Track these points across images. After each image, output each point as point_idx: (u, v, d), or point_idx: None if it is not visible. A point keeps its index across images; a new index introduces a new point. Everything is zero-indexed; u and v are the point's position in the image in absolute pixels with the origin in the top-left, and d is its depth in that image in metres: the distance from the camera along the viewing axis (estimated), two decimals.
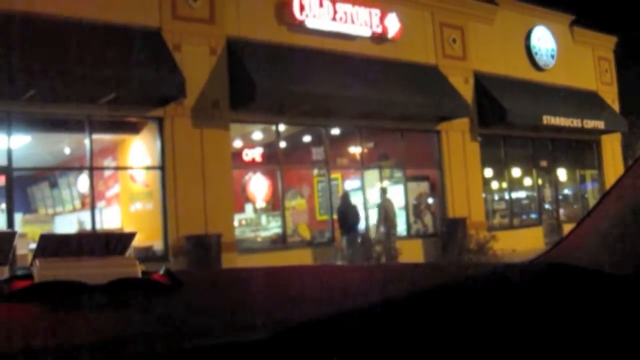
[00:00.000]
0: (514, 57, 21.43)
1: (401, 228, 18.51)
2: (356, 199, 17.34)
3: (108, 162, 16.43)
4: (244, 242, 16.04)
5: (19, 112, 13.05)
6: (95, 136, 14.27)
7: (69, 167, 16.88)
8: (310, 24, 16.26)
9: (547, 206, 23.00)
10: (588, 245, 1.35)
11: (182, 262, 13.80)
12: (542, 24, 22.53)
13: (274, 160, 16.84)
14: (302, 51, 16.03)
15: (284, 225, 16.33)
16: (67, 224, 16.09)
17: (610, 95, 24.82)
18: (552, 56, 22.68)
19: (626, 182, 1.33)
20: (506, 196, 21.83)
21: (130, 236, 1.45)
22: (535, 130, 20.92)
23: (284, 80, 15.07)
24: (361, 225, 16.91)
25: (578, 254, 1.35)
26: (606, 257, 1.27)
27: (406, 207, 18.74)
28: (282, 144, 16.91)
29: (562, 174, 23.85)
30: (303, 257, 15.80)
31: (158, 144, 14.49)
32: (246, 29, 15.44)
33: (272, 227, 17.14)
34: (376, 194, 17.88)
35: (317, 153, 17.48)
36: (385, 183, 19.22)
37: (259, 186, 17.83)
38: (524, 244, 19.07)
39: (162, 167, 14.43)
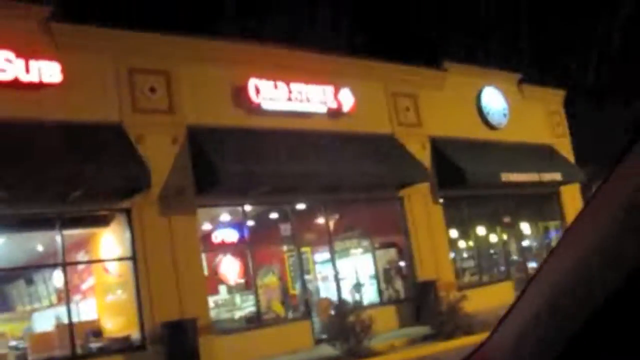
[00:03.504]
0: (467, 120, 22.03)
1: (373, 296, 18.85)
2: (327, 271, 17.75)
3: (81, 256, 16.66)
4: (220, 323, 16.11)
5: None
6: (67, 232, 14.53)
7: (43, 265, 17.03)
8: (267, 105, 16.78)
9: (514, 259, 23.45)
10: (509, 344, 1.26)
11: (160, 350, 13.98)
12: (490, 84, 23.20)
13: (243, 240, 17.18)
14: (262, 132, 16.43)
15: (257, 304, 16.54)
16: (44, 320, 16.14)
17: (565, 147, 25.51)
18: (504, 115, 23.29)
19: (541, 278, 1.25)
20: (473, 254, 22.24)
21: None
22: (495, 188, 21.27)
23: (246, 162, 15.45)
24: (333, 296, 17.30)
25: (501, 354, 1.28)
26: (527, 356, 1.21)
27: (376, 275, 19.04)
28: (250, 224, 17.30)
29: (525, 227, 24.37)
30: (279, 334, 16.03)
31: (128, 234, 14.77)
32: (205, 116, 15.92)
33: (246, 306, 17.29)
34: (346, 264, 18.29)
35: (285, 229, 17.79)
36: (355, 252, 19.63)
37: (230, 267, 18.07)
38: (496, 299, 19.42)
39: (133, 257, 14.63)
